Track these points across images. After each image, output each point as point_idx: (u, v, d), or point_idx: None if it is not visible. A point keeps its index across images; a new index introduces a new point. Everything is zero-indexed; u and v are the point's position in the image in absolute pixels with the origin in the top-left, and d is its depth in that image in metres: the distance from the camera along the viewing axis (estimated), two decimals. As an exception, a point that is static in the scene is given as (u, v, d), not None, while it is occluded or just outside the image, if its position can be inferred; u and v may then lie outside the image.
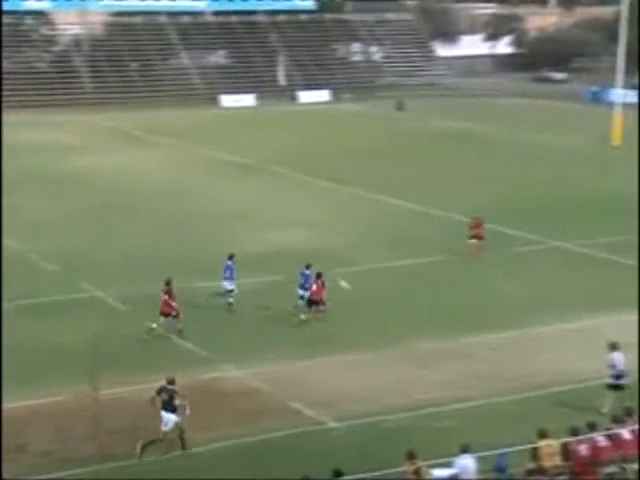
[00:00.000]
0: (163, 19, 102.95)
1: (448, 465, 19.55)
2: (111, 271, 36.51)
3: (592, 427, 20.59)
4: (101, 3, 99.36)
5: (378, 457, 21.58)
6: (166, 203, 48.38)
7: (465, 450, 19.83)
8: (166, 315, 29.81)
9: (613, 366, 24.74)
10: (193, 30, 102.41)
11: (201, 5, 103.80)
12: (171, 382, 22.81)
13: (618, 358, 24.79)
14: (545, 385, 25.83)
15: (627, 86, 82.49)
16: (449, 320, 31.51)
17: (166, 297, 29.83)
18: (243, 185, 53.33)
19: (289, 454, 22.55)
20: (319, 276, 31.52)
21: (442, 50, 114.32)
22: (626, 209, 46.15)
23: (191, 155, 63.00)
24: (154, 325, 29.68)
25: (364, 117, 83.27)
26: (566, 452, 20.20)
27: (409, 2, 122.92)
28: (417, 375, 27.10)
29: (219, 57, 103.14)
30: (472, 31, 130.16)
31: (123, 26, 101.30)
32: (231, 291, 32.53)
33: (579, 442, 20.22)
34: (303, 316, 31.16)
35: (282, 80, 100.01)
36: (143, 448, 22.23)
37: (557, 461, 20.06)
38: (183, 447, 22.63)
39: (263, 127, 76.06)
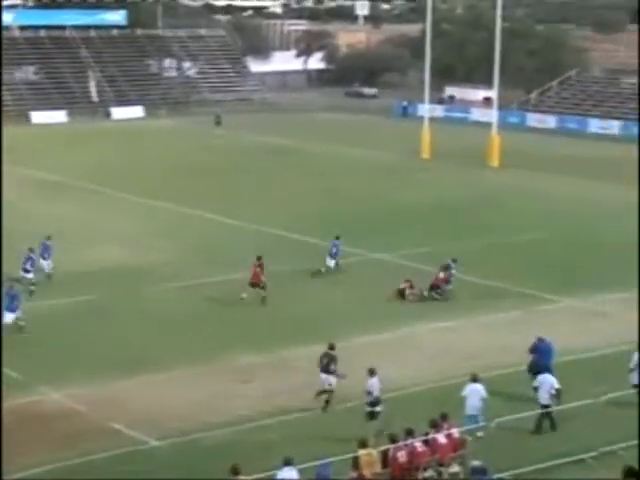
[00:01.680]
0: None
1: (271, 478, 19.65)
2: None
3: (410, 433, 21.11)
4: None
5: (201, 474, 21.47)
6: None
7: (287, 462, 19.97)
8: (254, 285, 34.07)
9: (370, 392, 24.10)
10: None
11: (7, 19, 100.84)
12: (332, 348, 26.03)
13: (374, 384, 24.12)
14: (361, 395, 26.20)
15: (433, 101, 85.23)
16: (270, 333, 31.67)
17: (258, 270, 34.14)
18: (57, 203, 52.14)
19: (111, 475, 22.15)
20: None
21: (255, 66, 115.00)
22: (437, 219, 47.62)
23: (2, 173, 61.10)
24: (244, 295, 33.75)
25: (181, 133, 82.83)
26: (385, 459, 20.64)
27: (221, 18, 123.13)
28: (238, 389, 27.12)
29: (28, 73, 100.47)
30: (284, 47, 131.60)
31: None
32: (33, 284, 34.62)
33: (397, 449, 20.69)
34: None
35: (94, 96, 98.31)
36: (319, 394, 25.51)
37: (377, 469, 20.47)
38: (325, 407, 25.54)
39: (76, 144, 74.58)
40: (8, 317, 30.99)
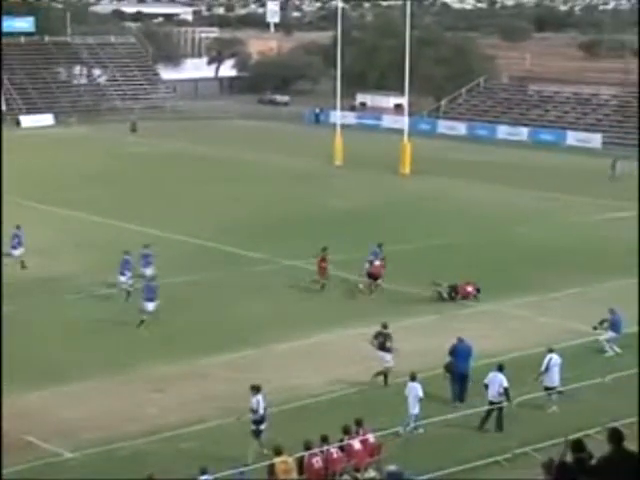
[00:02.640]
0: None
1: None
2: None
3: (325, 440, 21.19)
4: None
5: (117, 485, 21.27)
6: None
7: (204, 471, 19.93)
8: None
9: (255, 411, 23.22)
10: None
11: None
12: (385, 327, 27.91)
13: (259, 402, 23.31)
14: (281, 402, 26.26)
15: (345, 108, 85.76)
16: (185, 342, 31.51)
17: (324, 264, 36.96)
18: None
19: (25, 489, 21.82)
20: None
21: (166, 73, 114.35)
22: (351, 226, 47.88)
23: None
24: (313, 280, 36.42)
25: (94, 140, 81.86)
26: (301, 466, 20.69)
27: (131, 25, 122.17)
28: (153, 399, 26.93)
29: None
30: (196, 54, 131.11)
31: None
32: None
33: (313, 455, 20.75)
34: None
35: (2, 104, 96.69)
36: (377, 375, 27.43)
37: (293, 476, 20.50)
38: (385, 382, 27.53)
39: (-16, 152, 73.11)
40: None
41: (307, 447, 20.72)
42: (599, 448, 12.81)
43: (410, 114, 73.74)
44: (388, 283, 37.37)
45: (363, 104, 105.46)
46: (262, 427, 23.21)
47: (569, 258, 41.52)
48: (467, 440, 24.33)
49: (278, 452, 20.56)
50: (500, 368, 25.50)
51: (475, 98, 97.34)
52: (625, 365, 28.05)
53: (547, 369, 26.43)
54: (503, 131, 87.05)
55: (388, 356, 27.79)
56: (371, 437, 21.92)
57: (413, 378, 25.06)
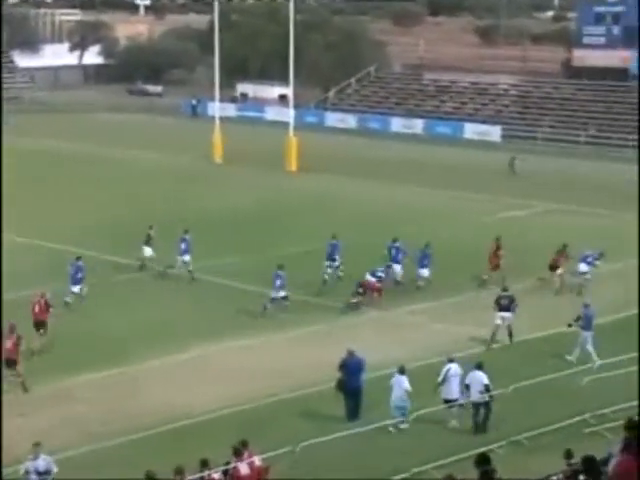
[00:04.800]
0: None
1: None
2: None
3: (205, 464, 21.07)
4: None
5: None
6: None
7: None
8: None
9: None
10: None
11: None
12: (505, 289, 33.54)
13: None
14: (153, 424, 26.08)
15: (225, 99, 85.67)
16: (48, 361, 31.00)
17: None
18: None
19: None
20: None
21: (23, 61, 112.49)
22: (232, 229, 47.88)
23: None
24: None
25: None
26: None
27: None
28: (15, 425, 26.45)
29: None
30: (56, 40, 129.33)
31: None
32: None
33: (191, 483, 20.59)
34: None
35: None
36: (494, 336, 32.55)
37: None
38: (510, 340, 32.76)
39: None
40: None
41: (178, 472, 20.41)
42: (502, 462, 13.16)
43: (296, 106, 74.06)
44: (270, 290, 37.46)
45: (244, 95, 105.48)
46: None
47: (465, 259, 42.19)
48: (363, 460, 24.52)
49: (179, 472, 20.34)
50: (479, 366, 26.52)
51: (366, 88, 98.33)
52: (524, 375, 28.65)
53: (445, 380, 26.83)
54: (397, 124, 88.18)
55: (507, 315, 32.78)
56: (257, 459, 21.94)
57: (402, 371, 26.43)
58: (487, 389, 26.23)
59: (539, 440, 24.89)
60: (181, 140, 78.22)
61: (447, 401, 26.81)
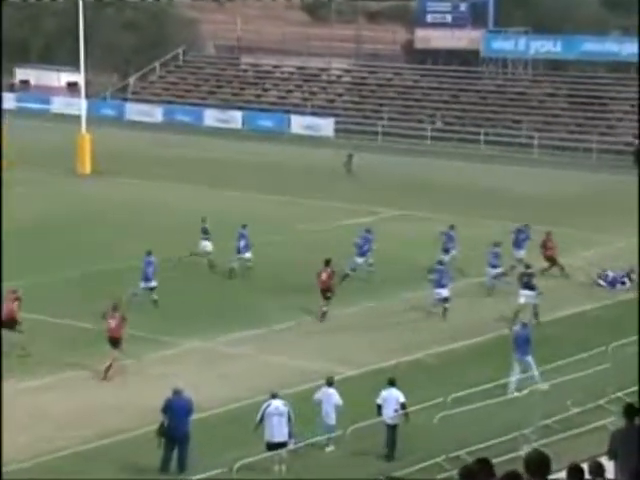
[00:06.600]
0: None
1: None
2: None
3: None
4: None
5: None
6: None
7: None
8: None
9: None
10: None
11: None
12: (528, 267, 38.36)
13: None
14: None
15: (2, 88, 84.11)
16: None
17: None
18: None
19: None
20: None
21: None
22: (13, 246, 46.90)
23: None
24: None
25: None
26: None
27: None
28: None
29: None
30: None
31: None
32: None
33: None
34: None
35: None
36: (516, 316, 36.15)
37: None
38: (536, 318, 36.96)
39: None
40: None
41: None
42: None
43: (88, 95, 73.27)
44: (56, 318, 36.77)
45: (25, 82, 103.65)
46: None
47: (298, 279, 42.14)
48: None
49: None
50: (392, 383, 27.68)
51: (173, 74, 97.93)
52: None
53: (262, 419, 26.60)
54: (211, 116, 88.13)
55: (529, 292, 37.02)
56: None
57: (330, 383, 27.70)
58: (403, 407, 27.22)
59: None
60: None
61: (270, 445, 26.50)
